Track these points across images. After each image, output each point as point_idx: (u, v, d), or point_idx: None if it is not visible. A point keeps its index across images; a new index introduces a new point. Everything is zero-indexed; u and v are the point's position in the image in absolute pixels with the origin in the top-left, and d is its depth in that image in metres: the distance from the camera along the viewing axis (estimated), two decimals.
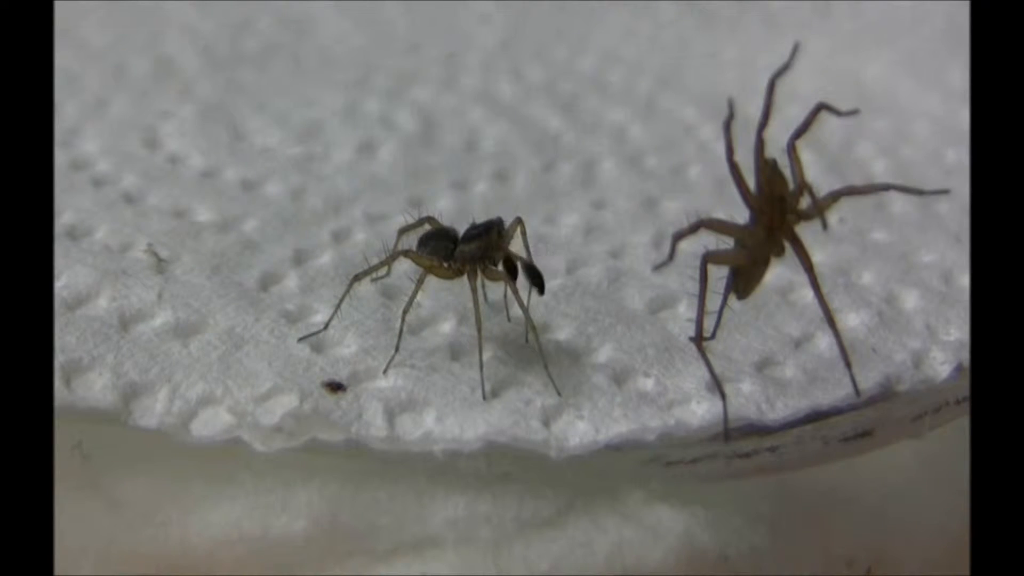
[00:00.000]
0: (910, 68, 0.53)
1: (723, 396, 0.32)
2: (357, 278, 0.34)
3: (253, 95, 0.49)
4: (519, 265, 0.33)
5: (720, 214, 0.34)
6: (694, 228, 0.32)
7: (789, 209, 0.32)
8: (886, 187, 0.33)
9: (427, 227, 0.35)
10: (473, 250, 0.33)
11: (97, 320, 0.34)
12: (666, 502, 0.31)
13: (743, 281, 0.33)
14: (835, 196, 0.32)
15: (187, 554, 0.31)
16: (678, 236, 0.31)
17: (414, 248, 0.34)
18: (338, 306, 0.34)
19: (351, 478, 0.31)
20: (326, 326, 0.34)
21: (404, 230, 0.35)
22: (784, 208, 0.32)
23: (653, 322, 0.36)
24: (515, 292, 0.32)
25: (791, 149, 0.32)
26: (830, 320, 0.32)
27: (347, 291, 0.34)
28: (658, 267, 0.32)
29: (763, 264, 0.33)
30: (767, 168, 0.32)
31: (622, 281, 0.38)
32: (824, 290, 0.32)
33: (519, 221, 0.34)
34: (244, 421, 0.31)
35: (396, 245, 0.35)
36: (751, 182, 0.32)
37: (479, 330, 0.32)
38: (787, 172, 0.32)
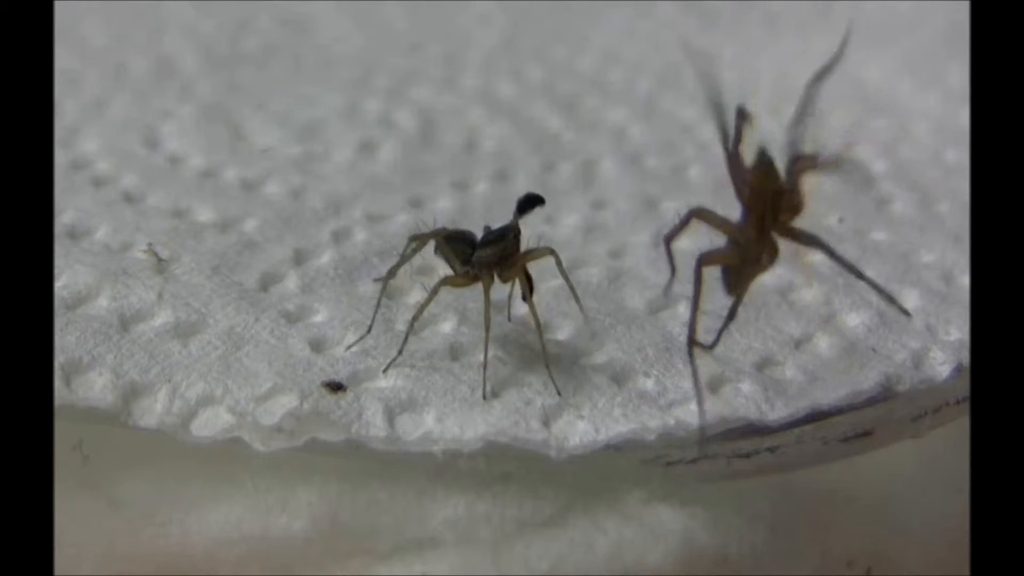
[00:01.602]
0: (910, 68, 0.53)
1: (701, 404, 0.31)
2: (391, 273, 0.34)
3: (253, 95, 0.49)
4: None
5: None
6: (686, 221, 0.31)
7: (782, 208, 0.31)
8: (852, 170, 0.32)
9: (434, 238, 0.34)
10: (490, 255, 0.33)
11: (97, 320, 0.34)
12: (666, 502, 0.31)
13: (733, 276, 0.33)
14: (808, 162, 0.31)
15: (187, 554, 0.31)
16: (670, 237, 0.31)
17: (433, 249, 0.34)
18: (377, 307, 0.34)
19: (351, 478, 0.31)
20: (369, 329, 0.34)
21: (416, 238, 0.35)
22: (777, 207, 0.31)
23: (653, 322, 0.36)
24: (527, 295, 0.32)
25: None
26: (859, 274, 0.31)
27: (383, 288, 0.34)
28: (667, 288, 0.32)
29: (754, 262, 0.32)
30: (759, 164, 0.31)
31: (622, 281, 0.38)
32: (839, 255, 0.31)
33: (551, 252, 0.34)
34: (244, 421, 0.31)
35: (405, 252, 0.35)
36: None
37: (487, 330, 0.32)
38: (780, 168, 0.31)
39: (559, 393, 0.32)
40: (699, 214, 0.31)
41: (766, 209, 0.31)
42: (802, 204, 0.31)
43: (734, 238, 0.32)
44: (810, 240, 0.32)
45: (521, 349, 0.34)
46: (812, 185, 0.32)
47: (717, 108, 0.31)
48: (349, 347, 0.34)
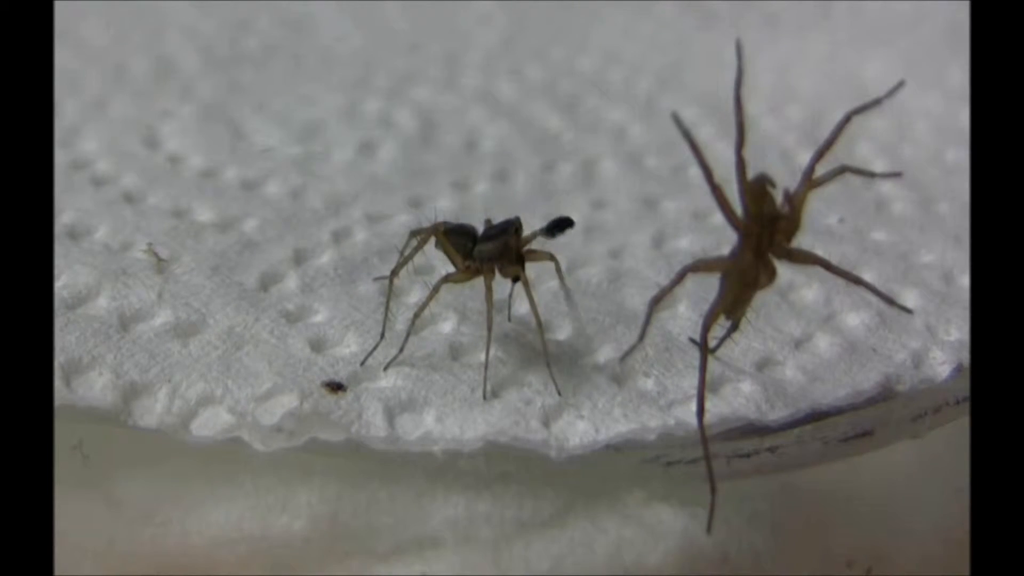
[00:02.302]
0: (910, 68, 0.53)
1: (700, 414, 0.31)
2: (395, 272, 0.34)
3: (253, 95, 0.49)
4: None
5: (718, 215, 0.34)
6: (678, 281, 0.30)
7: (778, 229, 0.31)
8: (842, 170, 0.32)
9: (435, 232, 0.34)
10: (491, 249, 0.33)
11: (97, 320, 0.34)
12: (666, 502, 0.31)
13: (732, 300, 0.32)
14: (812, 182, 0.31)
15: (187, 554, 0.31)
16: (659, 298, 0.30)
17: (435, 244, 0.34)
18: (386, 310, 0.34)
19: (351, 478, 0.31)
20: (382, 336, 0.34)
21: (416, 233, 0.35)
22: (774, 228, 0.31)
23: (653, 322, 0.36)
24: (528, 290, 0.32)
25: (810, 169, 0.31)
26: (859, 281, 0.31)
27: (390, 289, 0.34)
28: (628, 353, 0.32)
29: (752, 285, 0.31)
30: (753, 186, 0.31)
31: (622, 281, 0.38)
32: (837, 267, 0.31)
33: (552, 257, 0.33)
34: (244, 421, 0.31)
35: (405, 248, 0.35)
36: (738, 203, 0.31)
37: (489, 330, 0.32)
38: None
39: (559, 393, 0.32)
40: (692, 268, 0.31)
41: (763, 233, 0.31)
42: (798, 225, 0.31)
43: (729, 271, 0.31)
44: (806, 258, 0.31)
45: (521, 349, 0.34)
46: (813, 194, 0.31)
47: (696, 149, 0.30)
48: (362, 363, 0.33)
